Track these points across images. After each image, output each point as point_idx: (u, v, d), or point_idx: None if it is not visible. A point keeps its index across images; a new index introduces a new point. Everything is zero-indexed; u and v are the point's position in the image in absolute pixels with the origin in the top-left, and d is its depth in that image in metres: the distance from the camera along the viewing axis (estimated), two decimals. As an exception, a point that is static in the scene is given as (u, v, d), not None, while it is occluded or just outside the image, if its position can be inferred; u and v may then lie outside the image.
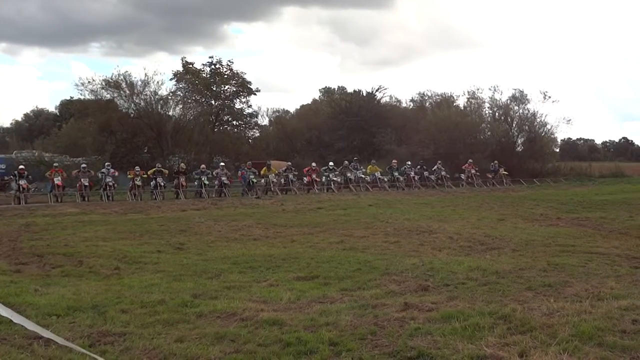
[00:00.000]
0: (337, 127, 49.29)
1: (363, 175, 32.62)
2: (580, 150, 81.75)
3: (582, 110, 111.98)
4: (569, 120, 44.45)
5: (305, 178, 31.54)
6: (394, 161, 34.08)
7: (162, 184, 28.37)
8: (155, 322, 6.48)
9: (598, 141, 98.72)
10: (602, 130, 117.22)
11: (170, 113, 44.55)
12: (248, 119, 50.38)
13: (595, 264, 9.69)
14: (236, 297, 7.64)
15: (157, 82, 43.12)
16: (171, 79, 47.84)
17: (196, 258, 10.88)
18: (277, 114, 57.83)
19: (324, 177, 31.53)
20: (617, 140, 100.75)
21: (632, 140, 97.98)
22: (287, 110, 60.02)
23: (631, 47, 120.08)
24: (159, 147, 41.33)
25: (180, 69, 47.79)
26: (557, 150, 52.36)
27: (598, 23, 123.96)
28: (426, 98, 52.30)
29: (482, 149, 41.50)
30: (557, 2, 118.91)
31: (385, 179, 32.73)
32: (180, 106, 45.22)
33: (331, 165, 32.18)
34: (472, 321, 6.14)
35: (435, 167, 34.51)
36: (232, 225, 15.88)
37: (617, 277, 8.68)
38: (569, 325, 5.92)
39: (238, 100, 49.34)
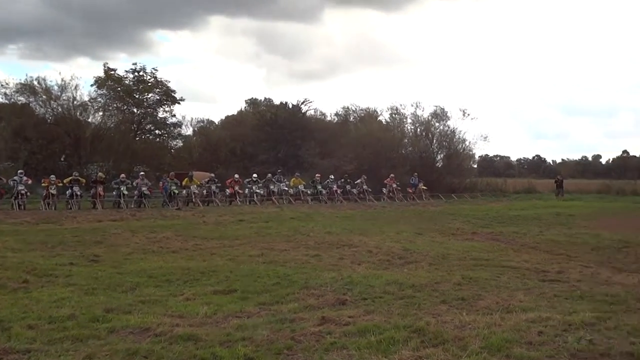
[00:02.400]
0: (262, 138, 49.08)
1: (286, 188, 32.49)
2: (497, 167, 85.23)
3: (498, 128, 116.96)
4: (486, 137, 46.12)
5: (227, 190, 31.07)
6: (317, 175, 34.21)
7: (79, 193, 27.42)
8: (64, 338, 6.23)
9: (513, 158, 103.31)
10: (517, 147, 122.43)
11: (90, 120, 43.29)
12: (171, 128, 49.33)
13: (507, 277, 10.01)
14: (151, 311, 7.46)
15: (75, 87, 41.48)
16: (92, 85, 46.36)
17: (111, 271, 10.56)
18: (202, 124, 57.49)
19: (247, 189, 31.20)
20: (530, 157, 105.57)
21: (544, 158, 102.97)
22: (211, 120, 59.78)
23: (545, 68, 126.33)
24: (76, 155, 39.84)
25: (102, 75, 46.52)
26: (475, 166, 53.57)
27: (514, 44, 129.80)
28: (350, 112, 52.91)
29: (404, 163, 41.98)
30: (475, 22, 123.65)
31: (309, 192, 32.75)
32: (101, 113, 44.02)
33: (254, 177, 31.93)
34: (388, 335, 6.21)
35: (359, 180, 34.70)
36: (151, 237, 15.55)
37: (526, 290, 9.00)
38: (479, 338, 6.06)
39: (161, 109, 48.29)
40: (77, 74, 60.61)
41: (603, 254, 13.79)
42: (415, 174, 37.29)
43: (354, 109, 52.61)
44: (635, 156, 79.56)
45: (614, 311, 7.49)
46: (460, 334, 6.26)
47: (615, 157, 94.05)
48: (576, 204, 32.06)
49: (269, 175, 33.12)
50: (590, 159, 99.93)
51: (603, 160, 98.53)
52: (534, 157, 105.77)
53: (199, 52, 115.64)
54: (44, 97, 41.23)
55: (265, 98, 63.33)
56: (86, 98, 43.47)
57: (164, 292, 8.76)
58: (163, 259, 12.20)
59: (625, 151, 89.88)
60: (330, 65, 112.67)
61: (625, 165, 62.28)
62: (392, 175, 35.84)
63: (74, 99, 41.70)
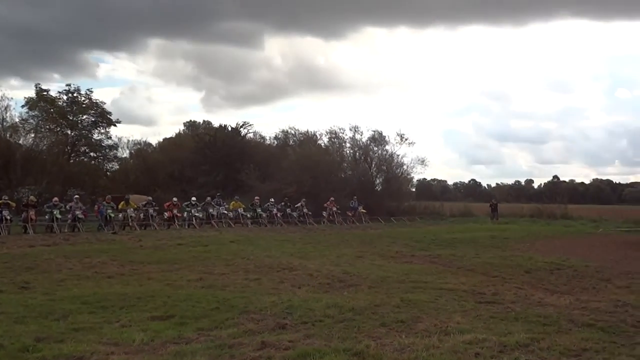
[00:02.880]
0: (201, 161, 48.31)
1: (226, 212, 32.26)
2: (434, 190, 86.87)
3: (435, 153, 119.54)
4: (423, 160, 45.90)
5: (166, 213, 30.58)
6: (256, 198, 33.98)
7: (9, 217, 26.25)
8: (-10, 370, 5.90)
9: (450, 182, 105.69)
10: (453, 172, 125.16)
11: (21, 142, 41.65)
12: (107, 150, 48.29)
13: (445, 300, 10.15)
14: (84, 339, 7.21)
15: (5, 107, 40.03)
16: (23, 106, 45.02)
17: (42, 298, 10.18)
18: (139, 146, 55.45)
19: (185, 213, 30.76)
20: (466, 181, 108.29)
21: (479, 182, 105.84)
22: (149, 142, 58.27)
23: (479, 95, 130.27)
24: (6, 178, 38.16)
25: (34, 95, 45.12)
26: (413, 189, 53.87)
27: (450, 71, 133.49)
28: (290, 136, 52.46)
29: (343, 187, 41.86)
30: (412, 50, 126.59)
31: (248, 215, 32.58)
32: (32, 135, 42.56)
33: (193, 201, 31.61)
34: (328, 359, 6.20)
35: (299, 204, 34.67)
36: (85, 262, 15.19)
37: (463, 312, 9.13)
38: (418, 360, 6.03)
39: (97, 131, 47.33)
40: (8, 95, 58.24)
41: (536, 276, 14.06)
42: (355, 197, 37.33)
43: (293, 133, 52.46)
44: (564, 181, 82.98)
45: (547, 332, 7.65)
46: (399, 356, 6.31)
47: (546, 181, 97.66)
48: (510, 227, 32.43)
49: (208, 198, 32.71)
50: (523, 183, 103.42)
51: (535, 185, 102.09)
52: (469, 181, 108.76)
53: (136, 74, 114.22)
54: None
55: (204, 121, 63.51)
56: (17, 119, 42.18)
57: (99, 319, 8.50)
58: (98, 284, 11.91)
59: (555, 176, 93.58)
60: (269, 90, 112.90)
61: (556, 189, 64.62)
62: (332, 198, 35.80)
63: (4, 119, 40.31)
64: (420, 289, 11.35)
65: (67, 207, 28.13)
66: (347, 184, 43.36)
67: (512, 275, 13.97)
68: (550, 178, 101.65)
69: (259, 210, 33.03)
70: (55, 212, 26.97)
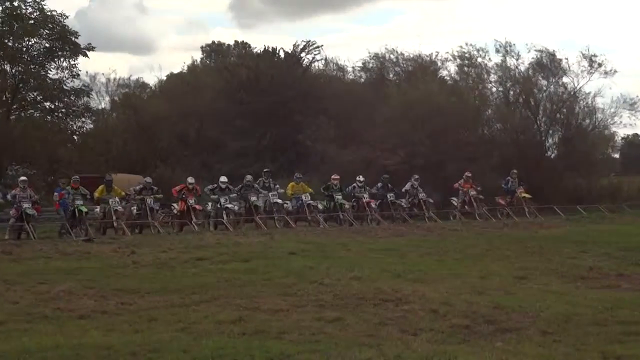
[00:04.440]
0: (234, 113, 37.45)
1: (280, 200, 24.45)
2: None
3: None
4: (634, 103, 33.87)
5: (175, 205, 23.63)
6: (333, 176, 25.54)
7: None
8: None
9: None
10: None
11: None
12: (73, 98, 36.18)
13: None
14: None
15: None
16: None
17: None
18: (126, 90, 42.08)
19: (209, 204, 23.71)
20: None
21: None
22: (144, 82, 44.87)
23: None
24: None
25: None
26: (617, 156, 41.62)
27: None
28: (389, 64, 39.86)
29: (488, 153, 32.19)
30: None
31: (320, 207, 24.66)
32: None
33: (223, 182, 23.89)
34: None
35: (408, 185, 26.00)
36: (40, 292, 12.51)
37: None
38: None
39: (54, 64, 34.64)
40: None
41: None
42: (513, 171, 27.39)
43: (394, 58, 39.76)
44: None
45: None
46: None
47: None
48: None
49: (249, 177, 24.43)
50: None
51: None
52: None
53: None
54: None
55: (236, 43, 48.46)
56: None
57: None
58: (63, 330, 9.65)
59: None
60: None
61: None
62: (467, 173, 26.71)
63: None
64: (636, 335, 8.87)
65: (8, 196, 22.28)
66: (495, 147, 33.70)
67: None
68: None
69: (338, 197, 24.70)
70: (-16, 206, 22.75)
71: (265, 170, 25.90)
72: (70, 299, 12.28)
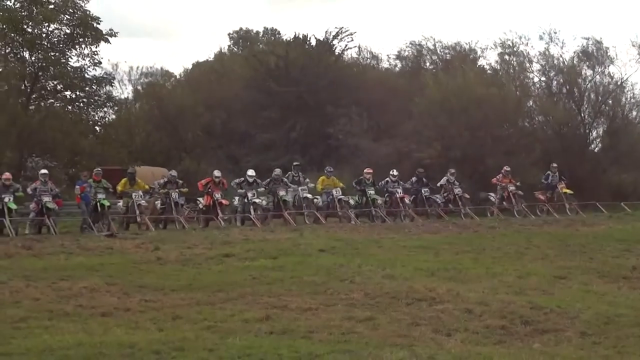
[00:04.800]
0: (262, 104, 36.55)
1: (309, 195, 24.13)
2: None
3: None
4: None
5: (201, 199, 23.56)
6: (366, 170, 25.12)
7: None
8: None
9: None
10: None
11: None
12: (95, 87, 35.00)
13: None
14: None
15: None
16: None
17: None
18: (150, 78, 40.97)
19: (236, 198, 23.62)
20: None
21: None
22: (168, 71, 43.53)
23: None
24: None
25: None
26: None
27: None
28: (426, 52, 38.67)
29: (528, 147, 31.53)
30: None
31: (352, 202, 24.44)
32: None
33: (250, 176, 23.59)
34: None
35: (444, 179, 25.81)
36: (61, 288, 12.47)
37: None
38: None
39: (75, 51, 33.31)
40: None
41: None
42: (553, 165, 26.90)
43: (431, 47, 38.64)
44: None
45: None
46: None
47: None
48: None
49: (277, 171, 24.30)
50: None
51: None
52: None
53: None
54: None
55: (266, 29, 47.71)
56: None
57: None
58: (86, 327, 9.69)
59: None
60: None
61: None
62: (506, 168, 26.22)
63: None
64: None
65: (28, 190, 22.16)
66: (535, 140, 32.82)
67: None
68: None
69: (370, 192, 24.35)
70: (6, 199, 21.04)
71: (294, 163, 25.72)
72: (93, 295, 12.29)
